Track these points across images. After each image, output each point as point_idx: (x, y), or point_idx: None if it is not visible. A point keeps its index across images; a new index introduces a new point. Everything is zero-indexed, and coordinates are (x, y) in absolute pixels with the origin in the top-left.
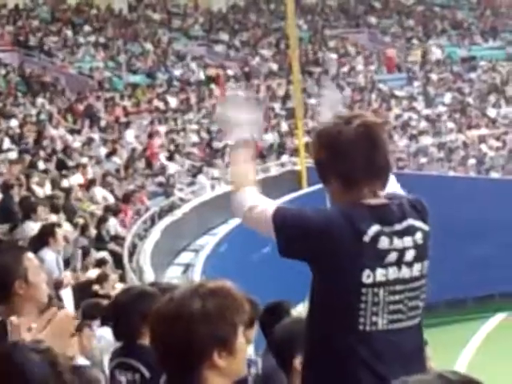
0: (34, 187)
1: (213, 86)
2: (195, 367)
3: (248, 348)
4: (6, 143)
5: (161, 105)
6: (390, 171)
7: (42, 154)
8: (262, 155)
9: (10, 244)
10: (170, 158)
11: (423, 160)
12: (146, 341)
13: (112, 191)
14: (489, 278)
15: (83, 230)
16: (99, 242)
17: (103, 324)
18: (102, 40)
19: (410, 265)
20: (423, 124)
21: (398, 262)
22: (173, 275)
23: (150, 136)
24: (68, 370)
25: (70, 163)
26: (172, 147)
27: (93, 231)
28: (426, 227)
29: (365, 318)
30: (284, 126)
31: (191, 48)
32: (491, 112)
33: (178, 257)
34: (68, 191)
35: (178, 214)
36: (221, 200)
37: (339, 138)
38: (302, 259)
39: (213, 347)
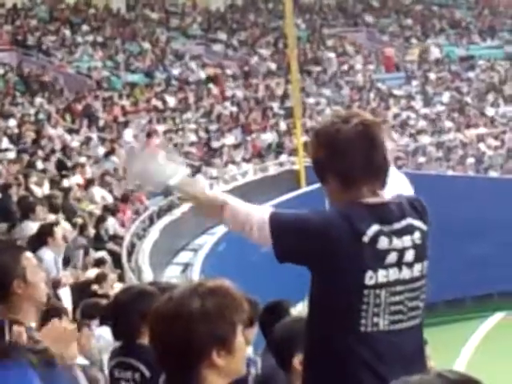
0: (33, 187)
1: (211, 85)
2: (194, 366)
3: (247, 348)
4: (5, 143)
5: (159, 104)
6: (388, 170)
7: (40, 153)
8: (260, 155)
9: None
10: None
11: (422, 159)
12: (145, 340)
13: (111, 191)
14: (487, 277)
15: (82, 229)
16: (98, 242)
17: (102, 323)
18: (100, 39)
19: (410, 265)
20: (421, 123)
21: (399, 263)
22: (172, 275)
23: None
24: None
25: (70, 164)
26: (170, 146)
27: (91, 231)
28: (424, 227)
29: (366, 320)
30: (282, 126)
31: (189, 47)
32: (489, 111)
33: (177, 256)
34: (66, 191)
35: (176, 213)
36: None
37: (337, 137)
38: (300, 263)
39: (212, 346)
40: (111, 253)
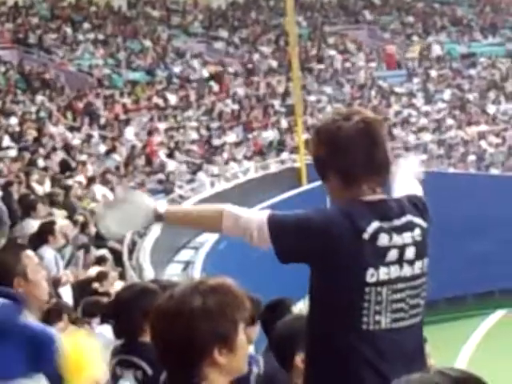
0: (34, 185)
1: (213, 83)
2: (196, 364)
3: (249, 346)
4: (6, 141)
5: (160, 102)
6: (389, 168)
7: (41, 151)
8: (261, 152)
9: (9, 242)
10: (170, 156)
11: (423, 156)
12: (147, 338)
13: (112, 189)
14: (489, 275)
15: (83, 227)
16: (99, 240)
17: (103, 322)
18: (101, 37)
19: (411, 263)
20: (423, 121)
21: (400, 260)
22: (173, 273)
23: (150, 133)
24: None
25: (74, 164)
26: (172, 144)
27: (93, 229)
28: (424, 224)
29: (368, 317)
30: (284, 123)
31: (191, 45)
32: (491, 108)
33: (178, 254)
34: (68, 189)
35: None
36: (220, 197)
37: (339, 134)
38: (301, 262)
39: (213, 344)
40: (112, 251)
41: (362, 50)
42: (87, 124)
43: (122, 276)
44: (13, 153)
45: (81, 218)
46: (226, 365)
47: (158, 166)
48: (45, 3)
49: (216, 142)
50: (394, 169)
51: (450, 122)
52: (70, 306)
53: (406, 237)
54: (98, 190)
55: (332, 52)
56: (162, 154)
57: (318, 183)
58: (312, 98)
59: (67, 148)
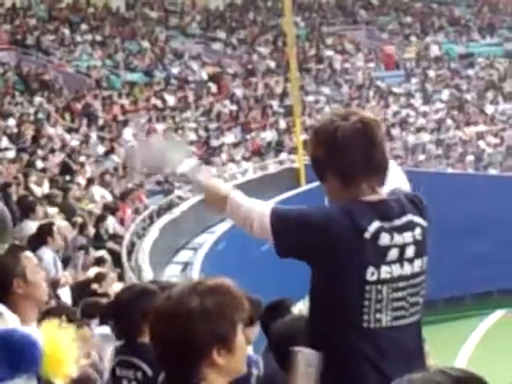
0: (32, 186)
1: (213, 84)
2: (194, 365)
3: (248, 347)
4: (4, 142)
5: (158, 103)
6: (387, 167)
7: (39, 152)
8: (260, 153)
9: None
10: None
11: (421, 157)
12: (147, 339)
13: (111, 191)
14: (487, 275)
15: (81, 228)
16: (98, 241)
17: (102, 323)
18: (99, 38)
19: (411, 261)
20: (421, 121)
21: (400, 259)
22: (171, 273)
23: (148, 134)
24: None
25: (75, 167)
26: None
27: (91, 230)
28: (424, 223)
29: (368, 315)
30: (282, 124)
31: (189, 46)
32: (489, 109)
33: (177, 255)
34: (66, 190)
35: (176, 212)
36: None
37: (336, 135)
38: (300, 258)
39: (212, 345)
40: (111, 252)
41: (360, 51)
42: (85, 125)
43: (120, 277)
44: (11, 154)
45: (79, 220)
46: (224, 365)
47: None
48: (42, 4)
49: (214, 142)
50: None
51: (448, 122)
52: (73, 308)
53: (407, 236)
54: (97, 191)
55: (330, 52)
56: None
57: (317, 184)
58: (310, 98)
59: (68, 150)
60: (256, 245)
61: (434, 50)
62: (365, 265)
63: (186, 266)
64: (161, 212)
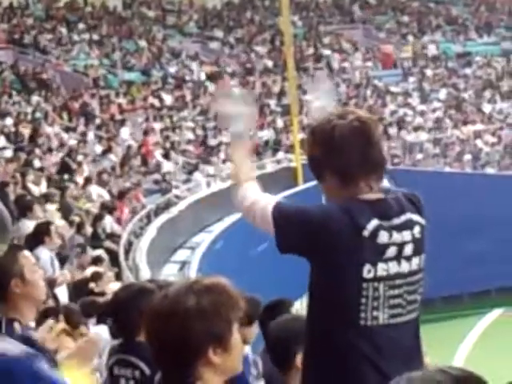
0: (30, 185)
1: (211, 83)
2: (190, 364)
3: (245, 347)
4: (2, 141)
5: (156, 102)
6: (385, 166)
7: (37, 152)
8: (257, 152)
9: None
10: (166, 156)
11: (419, 156)
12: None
13: (109, 190)
14: (485, 274)
15: (79, 228)
16: (95, 240)
17: (99, 322)
18: (96, 37)
19: (408, 259)
20: (418, 120)
21: (398, 257)
22: (169, 273)
23: (145, 133)
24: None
25: (74, 166)
26: (167, 144)
27: (89, 229)
28: (423, 221)
29: (366, 313)
30: (279, 123)
31: (186, 45)
32: (486, 107)
33: (174, 254)
34: (64, 189)
35: (174, 211)
36: (216, 197)
37: (334, 134)
38: (300, 254)
39: (208, 344)
40: (108, 251)
41: (357, 50)
42: (83, 124)
43: (118, 276)
44: (8, 153)
45: (77, 219)
46: (220, 364)
47: (153, 166)
48: (40, 4)
49: (212, 141)
50: None
51: (445, 121)
52: (78, 310)
53: (406, 235)
54: (94, 190)
55: (327, 51)
56: (157, 154)
57: (314, 183)
58: (308, 97)
59: (66, 149)
60: (253, 244)
61: (432, 49)
62: (361, 262)
63: (183, 265)
64: (158, 211)
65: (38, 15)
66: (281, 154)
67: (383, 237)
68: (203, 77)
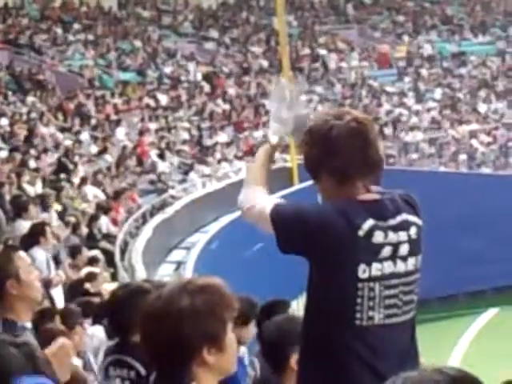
0: (25, 186)
1: (207, 83)
2: (185, 364)
3: (242, 348)
4: None
5: (151, 102)
6: (382, 166)
7: (32, 152)
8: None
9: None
10: (161, 156)
11: (414, 156)
12: None
13: (104, 190)
14: (481, 273)
15: (74, 228)
16: (91, 241)
17: (95, 322)
18: (91, 38)
19: (404, 259)
20: (414, 120)
21: (393, 257)
22: (165, 273)
23: (141, 133)
24: (46, 364)
25: (71, 166)
26: (163, 145)
27: (84, 230)
28: (419, 222)
29: (361, 313)
30: None
31: (181, 45)
32: (482, 107)
33: (170, 254)
34: (59, 190)
35: (169, 211)
36: (212, 197)
37: (331, 134)
38: (300, 254)
39: (202, 344)
40: (104, 251)
41: (353, 50)
42: (78, 125)
43: (114, 276)
44: (4, 154)
45: (72, 219)
46: (215, 364)
47: (149, 167)
48: (35, 4)
49: (207, 142)
50: None
51: (441, 121)
52: (78, 311)
53: (402, 235)
54: (90, 190)
55: (323, 51)
56: (153, 154)
57: (310, 183)
58: (303, 97)
59: (62, 150)
60: (249, 244)
61: (427, 49)
62: (356, 262)
63: (179, 265)
64: (154, 211)
65: (33, 15)
66: (276, 154)
67: (379, 236)
68: (199, 77)
